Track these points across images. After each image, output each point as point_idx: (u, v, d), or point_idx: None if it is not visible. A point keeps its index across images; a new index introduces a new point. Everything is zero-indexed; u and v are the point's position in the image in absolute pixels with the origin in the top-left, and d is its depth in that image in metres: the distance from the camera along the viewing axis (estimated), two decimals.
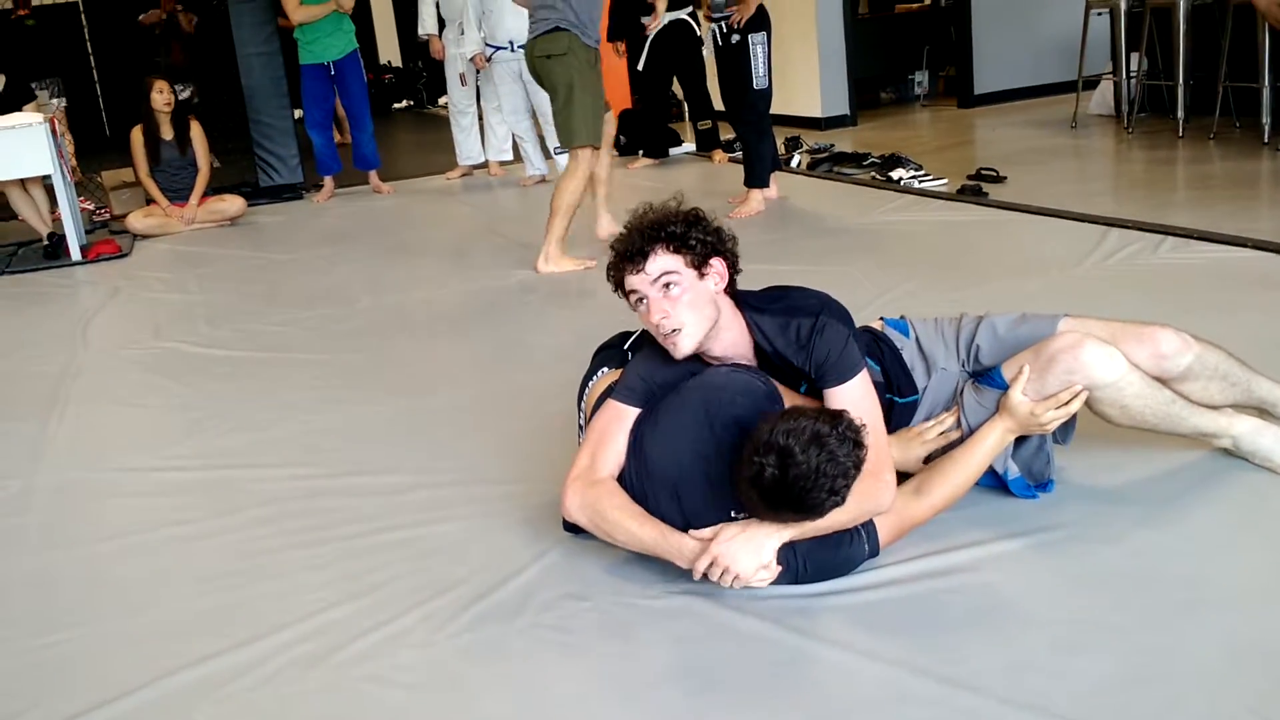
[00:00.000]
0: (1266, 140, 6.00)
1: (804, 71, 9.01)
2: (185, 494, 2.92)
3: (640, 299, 2.21)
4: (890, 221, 5.37)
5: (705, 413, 2.14)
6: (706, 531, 2.08)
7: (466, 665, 2.02)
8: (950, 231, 5.04)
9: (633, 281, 2.20)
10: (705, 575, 2.07)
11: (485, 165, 8.10)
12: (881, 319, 2.58)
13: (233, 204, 7.15)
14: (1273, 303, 3.51)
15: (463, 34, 7.63)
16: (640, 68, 7.80)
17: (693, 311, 2.18)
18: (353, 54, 7.55)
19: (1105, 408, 2.30)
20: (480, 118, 8.03)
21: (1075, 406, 2.25)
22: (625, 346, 2.50)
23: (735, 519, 2.09)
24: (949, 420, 2.38)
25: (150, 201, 7.01)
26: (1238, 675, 1.76)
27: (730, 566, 2.03)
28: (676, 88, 8.36)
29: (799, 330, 2.22)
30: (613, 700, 1.90)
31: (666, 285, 2.18)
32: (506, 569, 2.32)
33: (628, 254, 2.20)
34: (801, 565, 2.09)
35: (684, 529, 2.12)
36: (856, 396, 2.18)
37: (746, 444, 1.98)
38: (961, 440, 2.35)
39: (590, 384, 2.49)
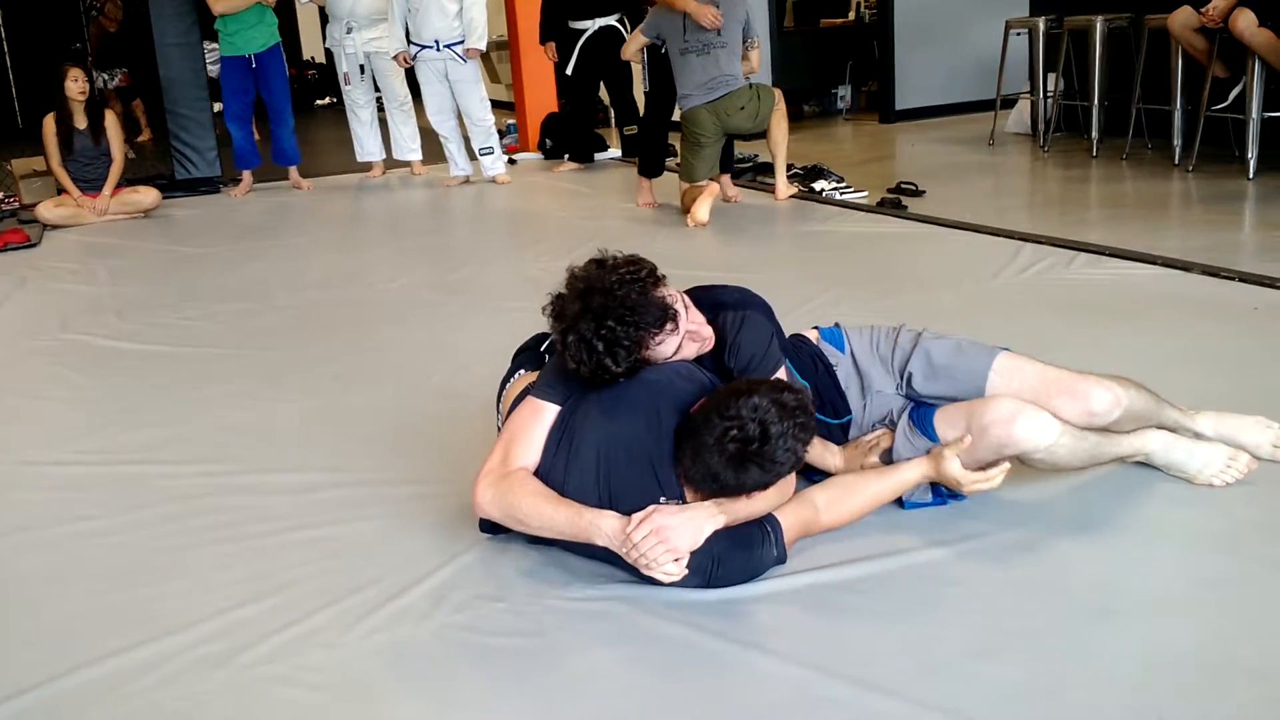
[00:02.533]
0: (1177, 161, 6.16)
1: None
2: (89, 489, 2.84)
3: None
4: (812, 232, 5.42)
5: (651, 396, 2.14)
6: (639, 514, 2.05)
7: (376, 667, 1.98)
8: (870, 243, 5.10)
9: None
10: (634, 558, 2.05)
11: (408, 165, 8.02)
12: (816, 329, 2.59)
13: (147, 196, 6.99)
14: (1178, 318, 3.60)
15: (349, 33, 7.55)
16: (569, 72, 7.80)
17: None
18: (275, 47, 7.44)
19: (1034, 464, 2.35)
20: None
21: (999, 481, 2.28)
22: (542, 348, 2.49)
23: (663, 504, 2.08)
24: (885, 443, 2.41)
25: (62, 191, 6.83)
26: (1148, 683, 1.79)
27: (670, 538, 2.01)
28: (604, 94, 8.36)
29: (724, 326, 2.23)
30: (525, 703, 1.88)
31: None
32: (419, 570, 2.29)
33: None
34: (714, 566, 2.08)
35: None
36: None
37: (712, 409, 2.02)
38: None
39: (508, 385, 2.47)
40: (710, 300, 2.28)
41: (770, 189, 6.27)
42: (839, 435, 2.47)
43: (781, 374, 2.28)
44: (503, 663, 1.98)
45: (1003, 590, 2.11)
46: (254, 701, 1.90)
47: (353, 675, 1.96)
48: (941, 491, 2.39)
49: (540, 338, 2.54)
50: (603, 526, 2.08)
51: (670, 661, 1.95)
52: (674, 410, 2.13)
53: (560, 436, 2.18)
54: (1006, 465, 2.29)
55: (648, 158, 6.38)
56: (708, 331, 2.23)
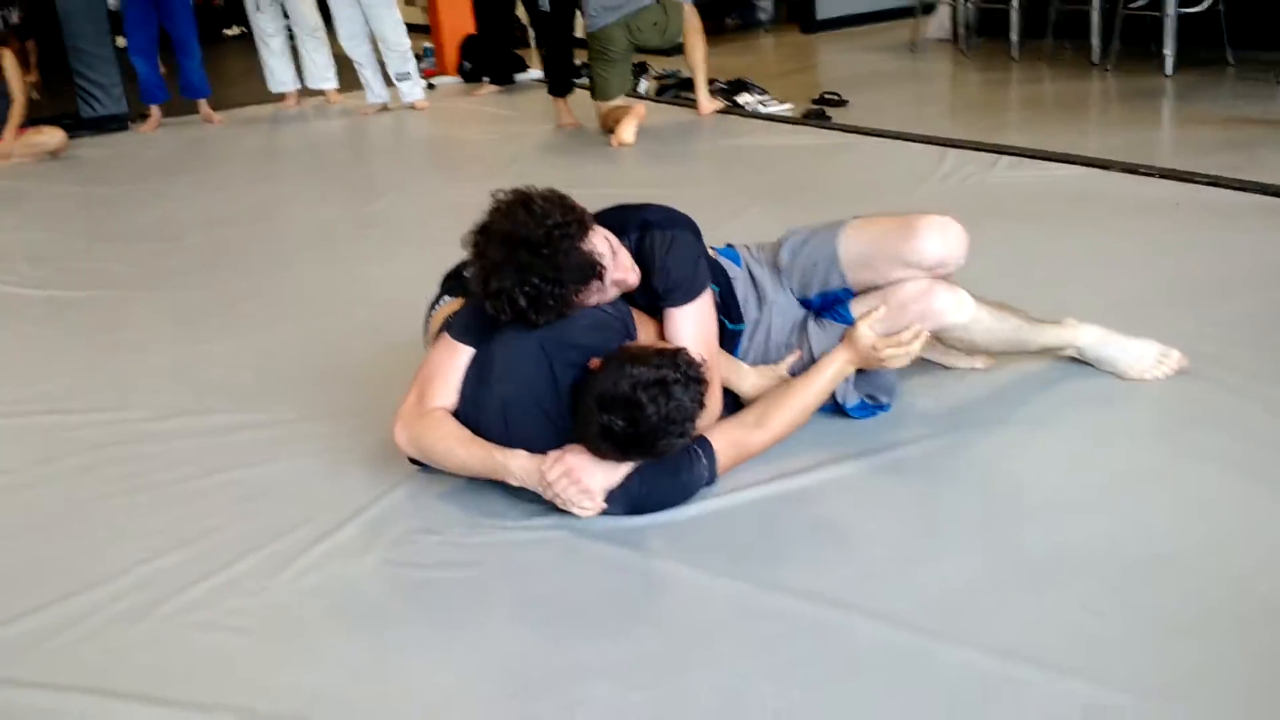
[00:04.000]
0: (1096, 61, 6.17)
1: None
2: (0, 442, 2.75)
3: None
4: (736, 146, 5.36)
5: (543, 350, 2.08)
6: (554, 452, 2.03)
7: (309, 607, 1.95)
8: (794, 156, 5.06)
9: None
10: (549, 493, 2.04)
11: (322, 94, 7.80)
12: (712, 248, 2.55)
13: (52, 137, 6.71)
14: (1099, 217, 3.62)
15: None
16: None
17: None
18: None
19: (953, 343, 2.33)
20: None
21: (917, 347, 2.26)
22: (469, 276, 2.42)
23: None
24: (795, 358, 2.38)
25: None
26: (1071, 575, 1.81)
27: (582, 479, 1.99)
28: (521, 13, 8.17)
29: (651, 247, 2.18)
30: (466, 632, 1.85)
31: None
32: (350, 507, 2.24)
33: None
34: (640, 491, 2.06)
35: None
36: (700, 316, 2.19)
37: (588, 395, 1.96)
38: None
39: (433, 311, 2.41)
40: (637, 220, 2.23)
41: (693, 105, 6.19)
42: (730, 342, 2.42)
43: (707, 296, 2.23)
44: (442, 595, 1.96)
45: (930, 495, 2.13)
46: (179, 649, 1.85)
47: (283, 616, 1.92)
48: (878, 398, 2.38)
49: (466, 264, 2.48)
50: (512, 467, 2.05)
51: (610, 585, 1.94)
52: (568, 366, 2.07)
53: (475, 376, 2.13)
54: (920, 329, 2.26)
55: (557, 76, 6.26)
56: (634, 278, 2.16)
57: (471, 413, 2.13)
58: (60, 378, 3.12)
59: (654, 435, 1.93)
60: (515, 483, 2.07)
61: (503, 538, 2.10)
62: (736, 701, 1.61)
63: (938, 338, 2.36)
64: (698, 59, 5.98)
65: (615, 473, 2.02)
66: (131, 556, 2.13)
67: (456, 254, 2.46)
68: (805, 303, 2.43)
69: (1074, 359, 2.50)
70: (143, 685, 1.76)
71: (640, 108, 5.69)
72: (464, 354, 2.15)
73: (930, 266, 2.27)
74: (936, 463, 2.23)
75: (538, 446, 2.06)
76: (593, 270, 2.04)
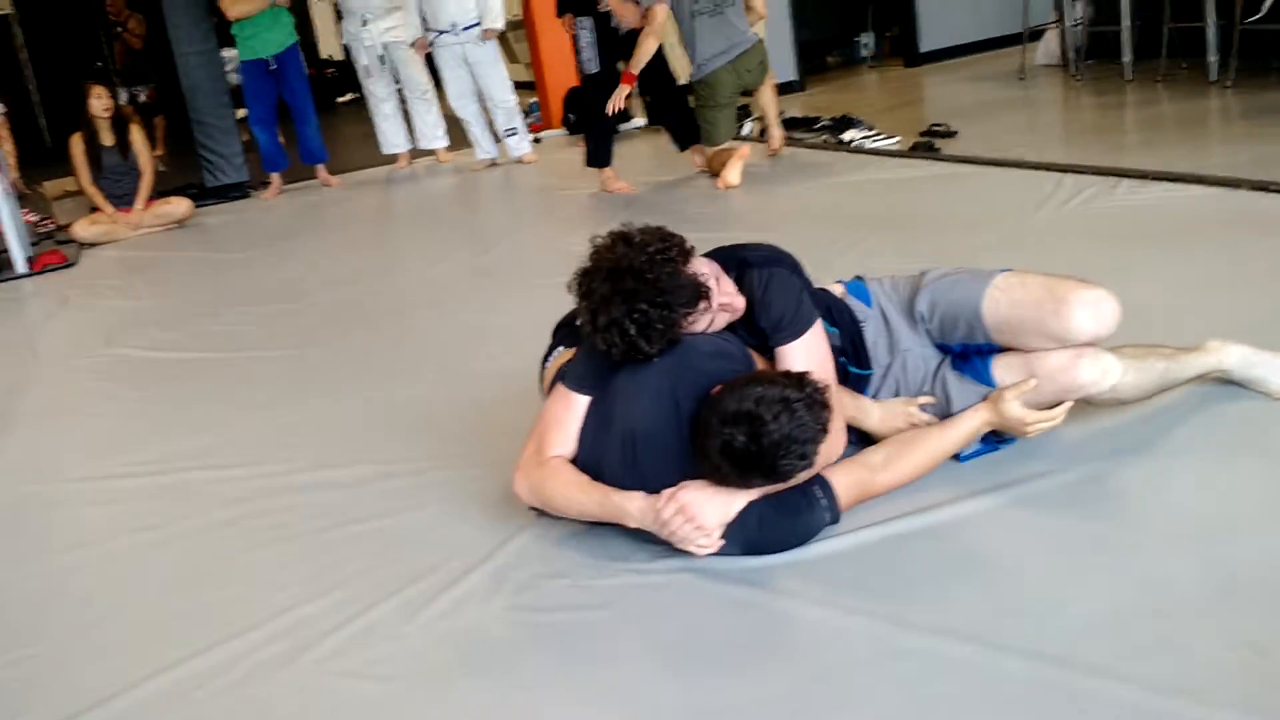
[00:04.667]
0: (1214, 79, 6.00)
1: None
2: (144, 500, 2.84)
3: None
4: (845, 183, 5.33)
5: (665, 378, 2.08)
6: (668, 490, 2.02)
7: (442, 653, 1.97)
8: (905, 188, 5.02)
9: None
10: (663, 530, 2.02)
11: (433, 153, 7.99)
12: (841, 283, 2.52)
13: (179, 206, 7.01)
14: (1228, 237, 3.50)
15: (364, 25, 7.50)
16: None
17: None
18: (292, 47, 7.42)
19: (1100, 403, 2.29)
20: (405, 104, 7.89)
21: (1062, 419, 2.22)
22: (579, 321, 2.44)
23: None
24: (929, 403, 2.33)
25: (95, 209, 6.87)
26: (1230, 607, 1.74)
27: (696, 516, 1.98)
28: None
29: (751, 285, 2.17)
30: (598, 674, 1.85)
31: None
32: (478, 553, 2.27)
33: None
34: (758, 532, 2.03)
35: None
36: (810, 350, 2.16)
37: (710, 412, 1.94)
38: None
39: (547, 362, 2.43)
40: (736, 259, 2.23)
41: (799, 144, 6.18)
42: (857, 386, 2.40)
43: (817, 329, 2.20)
44: (570, 638, 1.96)
45: (1073, 527, 2.06)
46: (323, 698, 1.89)
47: (419, 663, 1.95)
48: (992, 438, 2.33)
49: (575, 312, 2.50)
50: (630, 509, 2.05)
51: (739, 625, 1.92)
52: (692, 395, 2.05)
53: (596, 420, 2.14)
54: (1069, 403, 2.22)
55: (597, 146, 6.02)
56: (740, 302, 2.16)
57: (593, 457, 2.13)
58: (198, 436, 3.22)
59: (775, 452, 1.90)
60: (634, 524, 2.06)
61: (628, 580, 2.09)
62: None
63: (1085, 401, 2.30)
64: (769, 96, 6.04)
65: (730, 507, 2.00)
66: (275, 605, 2.18)
67: (568, 302, 2.50)
68: (943, 347, 2.39)
69: (1221, 380, 2.41)
70: None
71: (745, 148, 5.70)
72: (579, 402, 2.16)
73: (1079, 343, 2.21)
74: (1077, 493, 2.16)
75: (664, 481, 2.05)
76: (698, 291, 2.04)
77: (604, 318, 2.03)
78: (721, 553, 2.05)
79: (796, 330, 2.17)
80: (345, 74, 14.27)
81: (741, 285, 2.18)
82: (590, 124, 6.14)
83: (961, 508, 2.15)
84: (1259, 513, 2.00)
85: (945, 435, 2.25)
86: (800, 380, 1.96)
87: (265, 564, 2.39)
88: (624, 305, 2.01)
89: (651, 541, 2.14)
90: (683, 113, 6.06)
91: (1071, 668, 1.65)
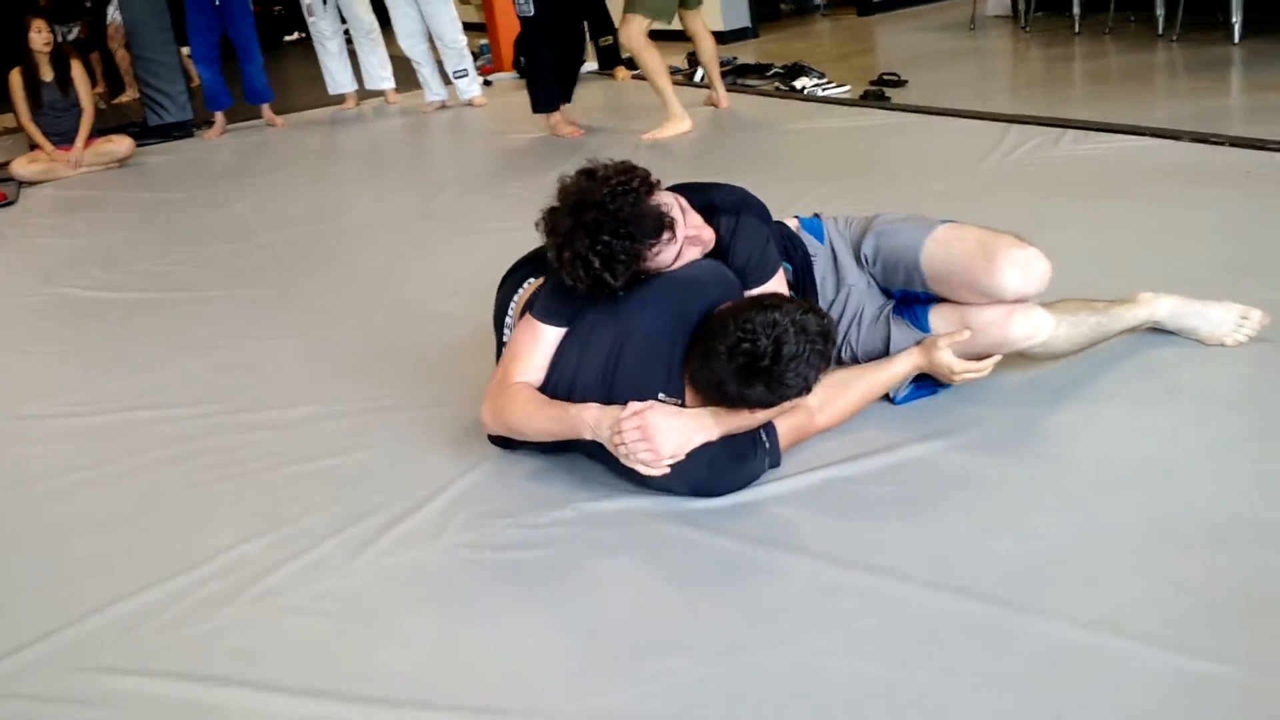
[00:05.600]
0: (1161, 32, 6.06)
1: None
2: (86, 439, 2.82)
3: None
4: (796, 130, 5.34)
5: (684, 293, 2.09)
6: (636, 405, 2.01)
7: (386, 589, 1.98)
8: (856, 136, 5.03)
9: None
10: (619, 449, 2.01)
11: (381, 94, 7.89)
12: (796, 217, 2.54)
13: (120, 145, 6.87)
14: (1170, 188, 3.55)
15: None
16: None
17: None
18: None
19: (1033, 356, 2.33)
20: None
21: (989, 369, 2.26)
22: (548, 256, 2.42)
23: (661, 400, 2.05)
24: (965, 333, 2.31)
25: (34, 147, 6.72)
26: (1154, 548, 1.79)
27: (654, 437, 1.97)
28: None
29: (719, 231, 2.19)
30: (542, 610, 1.88)
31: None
32: (424, 492, 2.28)
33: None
34: (705, 475, 2.06)
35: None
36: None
37: (730, 316, 1.97)
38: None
39: (518, 293, 2.39)
40: (704, 202, 2.23)
41: (752, 90, 6.17)
42: None
43: (779, 278, 2.24)
44: (513, 576, 1.98)
45: (1005, 470, 2.10)
46: (266, 633, 1.90)
47: (362, 600, 1.96)
48: (927, 382, 2.37)
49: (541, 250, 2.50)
50: (585, 417, 2.05)
51: (682, 563, 1.95)
52: (701, 310, 2.07)
53: (578, 344, 2.13)
54: (998, 356, 2.26)
55: (540, 90, 5.91)
56: (708, 234, 2.17)
57: (566, 380, 2.13)
58: (141, 376, 3.20)
59: (787, 366, 1.92)
60: (588, 434, 2.06)
61: (574, 518, 2.12)
62: (812, 675, 1.61)
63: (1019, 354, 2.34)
64: (709, 53, 5.89)
65: (689, 440, 2.01)
66: (217, 543, 2.18)
67: (519, 244, 2.50)
68: (885, 291, 2.42)
69: (1154, 329, 2.47)
70: (231, 669, 1.80)
71: (687, 123, 5.50)
72: (548, 333, 2.16)
73: (1008, 300, 2.24)
74: (1011, 438, 2.21)
75: (633, 390, 2.05)
76: (662, 222, 2.04)
77: (568, 252, 2.04)
78: (669, 491, 2.07)
79: (762, 276, 2.20)
80: (292, 12, 14.02)
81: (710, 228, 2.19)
82: (531, 68, 6.06)
83: (898, 453, 2.18)
84: (1183, 456, 2.05)
85: (877, 376, 2.30)
86: (820, 311, 2.01)
87: (208, 502, 2.38)
88: (587, 238, 2.01)
89: (597, 483, 2.16)
90: (547, 70, 5.90)
91: (1002, 605, 1.69)
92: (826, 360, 2.00)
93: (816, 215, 2.54)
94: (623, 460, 2.02)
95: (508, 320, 2.39)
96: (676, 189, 2.25)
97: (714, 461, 2.05)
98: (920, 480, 2.11)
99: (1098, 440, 2.16)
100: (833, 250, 2.46)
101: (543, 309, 2.18)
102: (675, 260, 2.12)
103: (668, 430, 1.98)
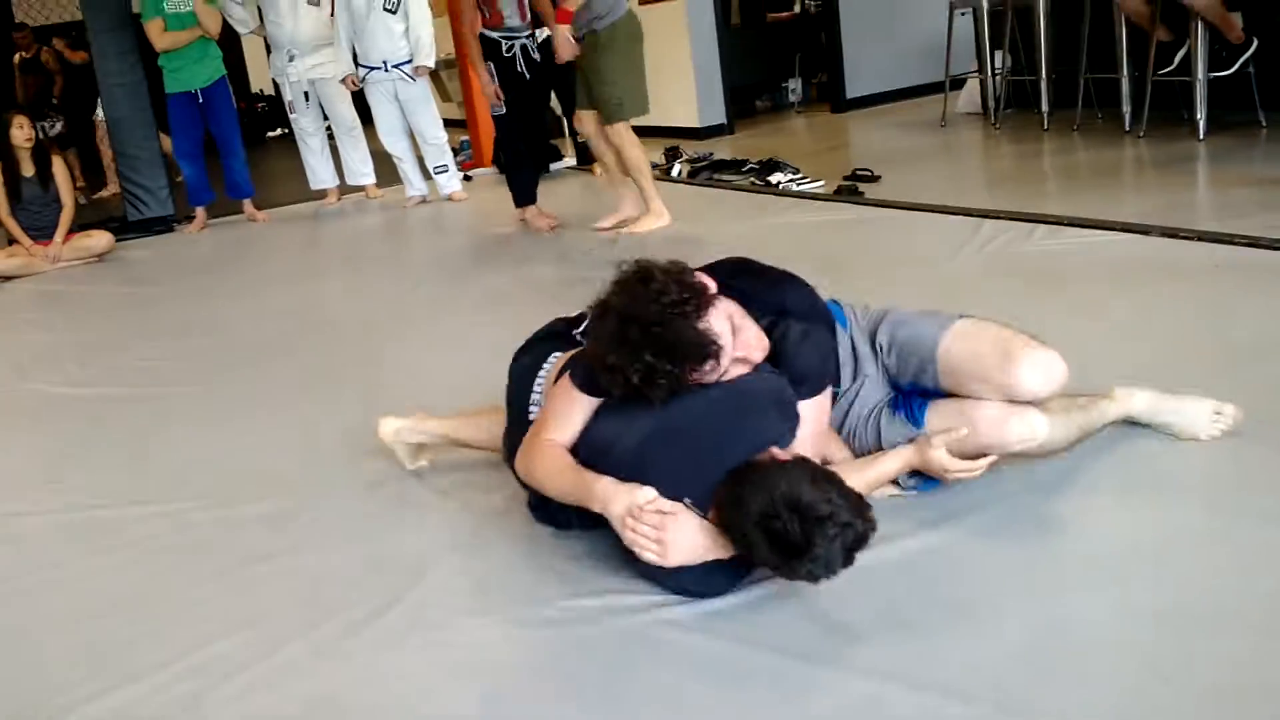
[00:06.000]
0: (1128, 128, 6.19)
1: (680, 82, 9.06)
2: (50, 538, 2.77)
3: None
4: (771, 224, 5.40)
5: (735, 413, 2.03)
6: (665, 502, 1.96)
7: (359, 691, 1.94)
8: (830, 231, 5.09)
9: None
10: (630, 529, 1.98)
11: (362, 189, 7.97)
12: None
13: (100, 240, 6.91)
14: (1140, 281, 3.59)
15: (290, 60, 7.50)
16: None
17: None
18: (220, 80, 7.39)
19: (1024, 454, 2.33)
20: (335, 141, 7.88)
21: (983, 469, 2.26)
22: (577, 332, 2.39)
23: (687, 506, 1.99)
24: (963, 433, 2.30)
25: (12, 241, 6.74)
26: (1137, 637, 1.79)
27: (667, 546, 1.94)
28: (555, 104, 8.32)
29: (784, 336, 2.14)
30: (511, 712, 1.84)
31: None
32: (398, 588, 2.24)
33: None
34: (693, 585, 2.02)
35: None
36: (820, 411, 2.19)
37: (772, 477, 1.87)
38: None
39: (545, 368, 2.37)
40: (775, 302, 2.19)
41: (728, 185, 6.23)
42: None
43: (829, 391, 2.21)
44: (486, 677, 1.95)
45: (982, 561, 2.09)
46: None
47: (333, 702, 1.92)
48: (916, 478, 2.36)
49: (565, 321, 2.49)
50: (596, 490, 2.02)
51: (654, 664, 1.92)
52: (752, 430, 2.02)
53: (613, 409, 2.10)
54: (993, 457, 2.26)
55: (515, 184, 6.08)
56: (759, 353, 2.10)
57: (601, 444, 2.08)
58: (111, 473, 3.16)
59: (810, 562, 1.83)
60: (597, 507, 2.02)
61: (549, 619, 2.08)
62: None
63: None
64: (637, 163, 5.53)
65: (698, 557, 1.96)
66: (187, 643, 2.14)
67: (503, 337, 2.50)
68: (894, 384, 2.42)
69: (1131, 423, 2.48)
70: None
71: (666, 218, 5.53)
72: (587, 402, 2.12)
73: (1022, 399, 2.24)
74: (987, 528, 2.20)
75: (675, 485, 1.99)
76: (706, 351, 1.98)
77: (611, 359, 1.99)
78: (652, 578, 2.05)
79: (814, 390, 2.15)
80: (276, 108, 14.22)
81: (773, 331, 2.14)
82: (509, 164, 6.22)
83: (881, 550, 2.16)
84: (1162, 547, 2.05)
85: (866, 476, 2.26)
86: (869, 513, 1.88)
87: (178, 601, 2.34)
88: (629, 355, 1.96)
89: (574, 576, 2.14)
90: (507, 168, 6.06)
91: (978, 702, 1.67)
92: (850, 562, 1.87)
93: (835, 300, 2.50)
94: (625, 541, 1.99)
95: (534, 397, 2.35)
96: (747, 273, 2.22)
97: (709, 570, 2.01)
98: (890, 575, 2.07)
99: (1071, 531, 2.16)
100: (851, 338, 2.44)
101: (585, 379, 2.13)
102: (718, 378, 2.05)
103: (683, 543, 1.95)
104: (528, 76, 5.91)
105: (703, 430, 2.03)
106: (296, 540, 2.56)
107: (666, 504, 1.96)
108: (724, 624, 1.99)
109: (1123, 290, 3.53)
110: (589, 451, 2.12)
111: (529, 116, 6.13)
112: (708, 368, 2.01)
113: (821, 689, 1.77)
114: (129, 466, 3.20)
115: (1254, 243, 3.79)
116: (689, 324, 1.97)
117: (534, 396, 2.36)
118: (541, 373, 2.38)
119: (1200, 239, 3.95)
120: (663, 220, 5.52)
